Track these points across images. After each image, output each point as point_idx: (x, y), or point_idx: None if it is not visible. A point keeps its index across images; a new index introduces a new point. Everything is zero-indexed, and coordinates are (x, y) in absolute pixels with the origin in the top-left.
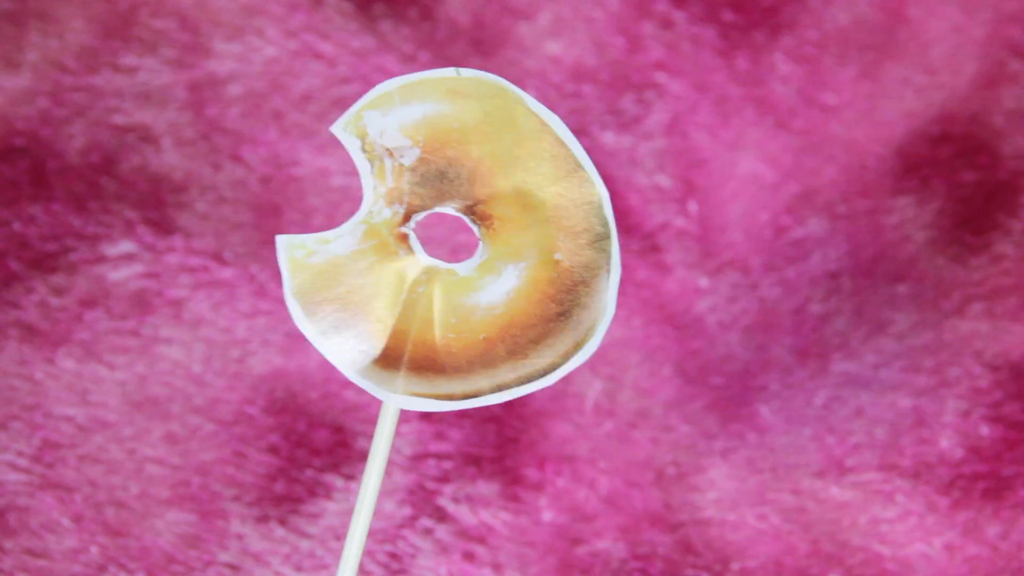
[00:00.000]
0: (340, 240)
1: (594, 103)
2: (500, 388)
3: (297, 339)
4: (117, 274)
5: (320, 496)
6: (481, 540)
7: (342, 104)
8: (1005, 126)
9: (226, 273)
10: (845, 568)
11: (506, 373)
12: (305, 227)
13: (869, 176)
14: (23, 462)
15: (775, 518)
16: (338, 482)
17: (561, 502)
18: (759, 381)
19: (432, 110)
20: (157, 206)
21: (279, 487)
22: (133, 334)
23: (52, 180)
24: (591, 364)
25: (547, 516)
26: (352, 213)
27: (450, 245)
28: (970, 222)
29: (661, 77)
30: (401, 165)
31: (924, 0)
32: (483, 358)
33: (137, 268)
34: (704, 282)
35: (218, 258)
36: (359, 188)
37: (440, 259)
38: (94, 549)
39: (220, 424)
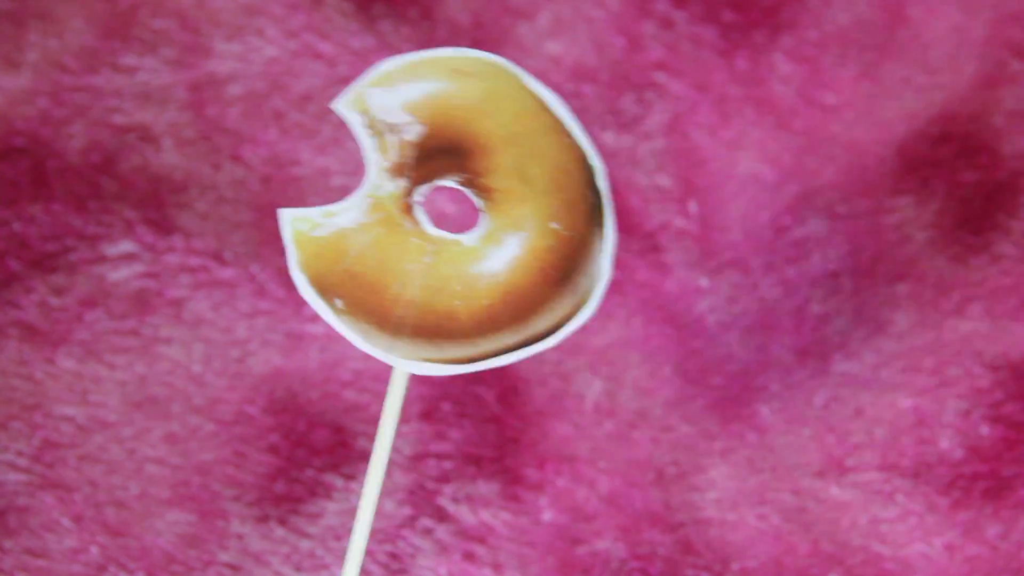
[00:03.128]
0: (346, 213)
1: (594, 103)
2: (504, 351)
3: (297, 339)
4: (117, 274)
5: (320, 496)
6: (481, 540)
7: None
8: (1005, 126)
9: (226, 273)
10: (845, 568)
11: (509, 336)
12: None
13: (869, 176)
14: (23, 462)
15: (775, 518)
16: (338, 482)
17: (561, 502)
18: (759, 381)
19: (434, 88)
20: (157, 206)
21: (279, 487)
22: (133, 334)
23: (52, 180)
24: (591, 364)
25: (547, 516)
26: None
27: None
28: (970, 222)
29: (661, 77)
30: (404, 140)
31: (924, 0)
32: (488, 323)
33: (137, 268)
34: (704, 282)
35: (218, 258)
36: (358, 188)
37: (444, 230)
38: (94, 549)
39: (220, 424)
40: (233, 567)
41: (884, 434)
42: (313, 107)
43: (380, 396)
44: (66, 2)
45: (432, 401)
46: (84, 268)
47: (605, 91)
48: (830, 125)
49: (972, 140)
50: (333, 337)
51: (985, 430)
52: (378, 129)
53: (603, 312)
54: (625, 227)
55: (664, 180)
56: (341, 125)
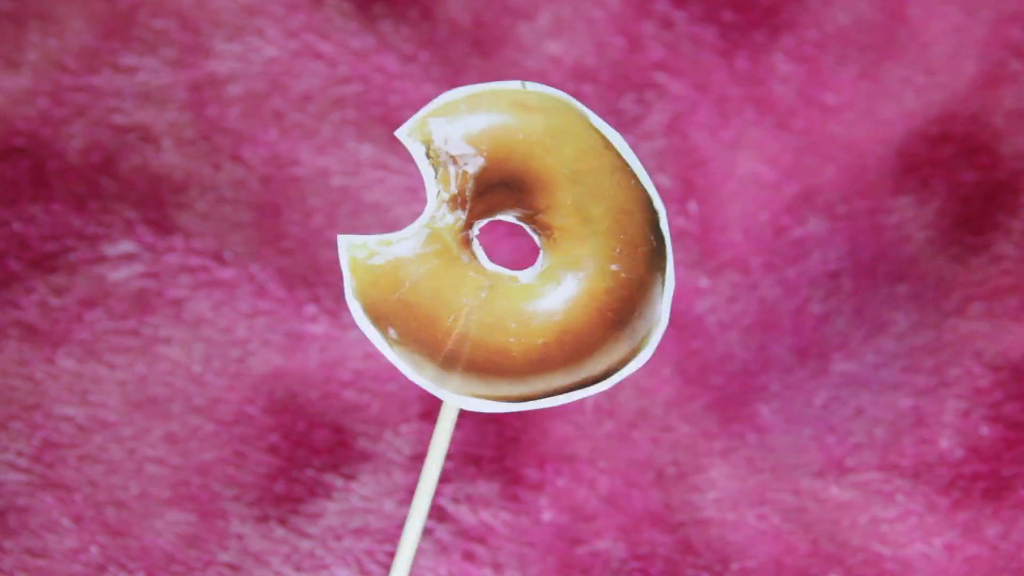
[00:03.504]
0: (403, 243)
1: (594, 103)
2: (556, 392)
3: (297, 339)
4: (117, 274)
5: (320, 496)
6: (481, 540)
7: (342, 104)
8: (1005, 126)
9: (226, 273)
10: (845, 568)
11: (562, 378)
12: (305, 227)
13: (869, 176)
14: (23, 462)
15: (775, 518)
16: (338, 482)
17: (561, 502)
18: (759, 381)
19: (497, 120)
20: (157, 206)
21: (279, 487)
22: (133, 334)
23: (52, 180)
24: None
25: (547, 516)
26: (353, 213)
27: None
28: (970, 222)
29: (661, 77)
30: (465, 172)
31: (924, 0)
32: (541, 363)
33: (137, 268)
34: (704, 282)
35: (218, 258)
36: (358, 188)
37: (502, 266)
38: (94, 549)
39: (220, 424)
40: (233, 567)
41: (884, 434)
42: (313, 107)
43: (380, 396)
44: (66, 2)
45: (432, 401)
46: (84, 268)
47: (605, 91)
48: (830, 125)
49: (972, 140)
50: (333, 337)
51: (985, 430)
52: (439, 160)
53: None
54: None
55: (664, 180)
56: (341, 125)
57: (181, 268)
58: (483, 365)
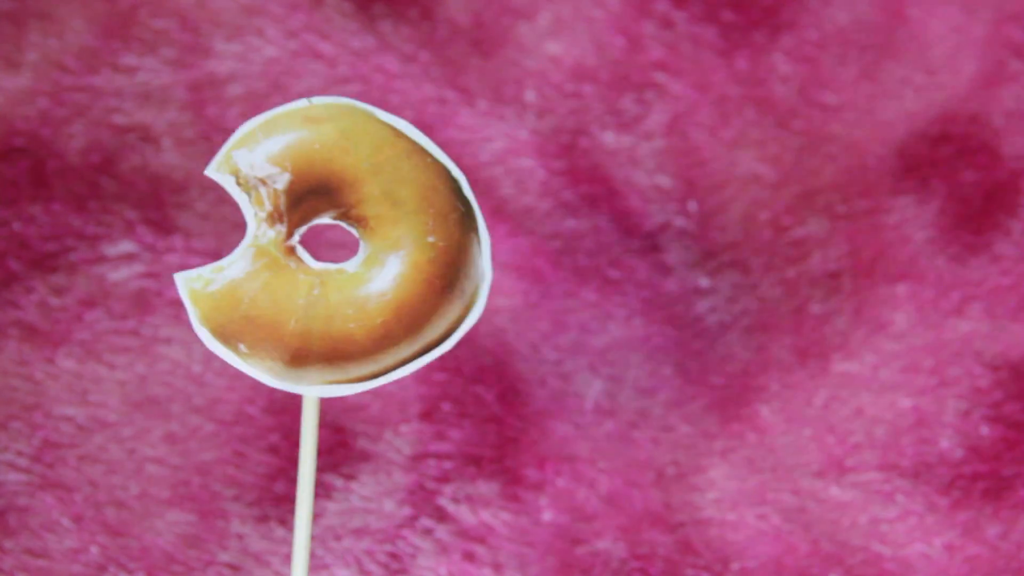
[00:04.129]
0: (234, 265)
1: (594, 103)
2: (405, 362)
3: None
4: (117, 274)
5: (320, 496)
6: (481, 540)
7: None
8: (1005, 126)
9: None
10: (845, 568)
11: (407, 348)
12: None
13: (869, 176)
14: (23, 462)
15: (775, 518)
16: (338, 482)
17: (561, 502)
18: (759, 381)
19: (293, 138)
20: (157, 206)
21: (279, 487)
22: (133, 334)
23: (52, 180)
24: (591, 364)
25: (547, 516)
26: None
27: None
28: (970, 222)
29: (661, 77)
30: (275, 190)
31: (924, 0)
32: (384, 339)
33: (137, 268)
34: (704, 282)
35: (218, 258)
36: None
37: (328, 262)
38: (94, 549)
39: (220, 424)
40: (233, 567)
41: (884, 434)
42: None
43: (380, 396)
44: (66, 2)
45: (432, 401)
46: (84, 268)
47: (605, 91)
48: (830, 125)
49: (972, 140)
50: None
51: (985, 430)
52: (249, 185)
53: (603, 312)
54: (625, 227)
55: (664, 180)
56: None
57: (181, 268)
58: (331, 354)
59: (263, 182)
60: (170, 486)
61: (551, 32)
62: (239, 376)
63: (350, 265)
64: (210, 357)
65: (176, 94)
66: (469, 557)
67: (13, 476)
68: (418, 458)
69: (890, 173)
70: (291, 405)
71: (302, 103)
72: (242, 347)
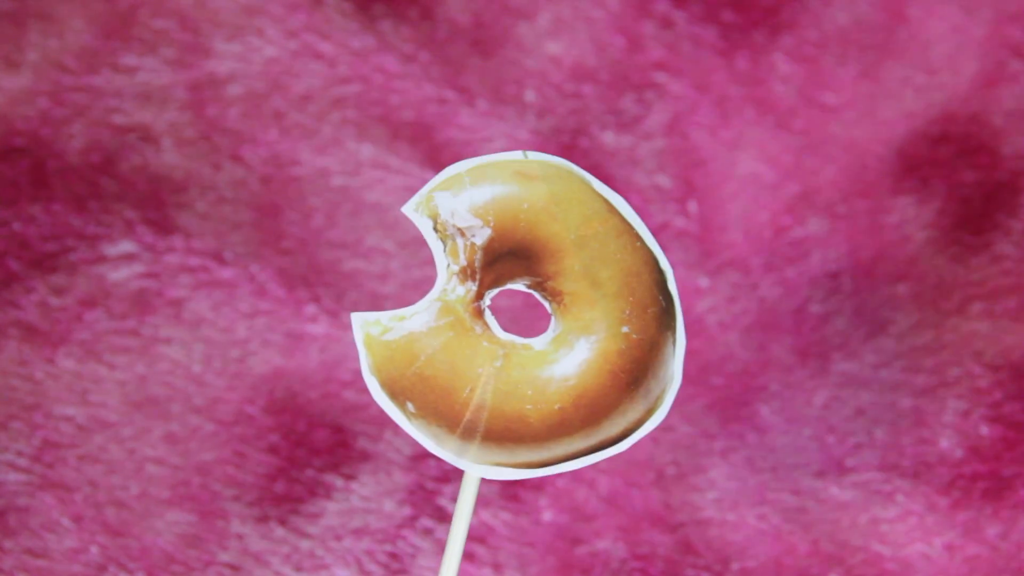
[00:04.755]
0: (416, 317)
1: (594, 103)
2: (575, 456)
3: (297, 339)
4: (117, 274)
5: (320, 496)
6: (481, 540)
7: (342, 104)
8: (1005, 126)
9: (226, 273)
10: (845, 568)
11: (581, 441)
12: (305, 227)
13: (869, 176)
14: (23, 462)
15: (775, 518)
16: (338, 482)
17: (561, 502)
18: (759, 381)
19: (501, 191)
20: (157, 206)
21: (279, 487)
22: (133, 334)
23: (52, 180)
24: None
25: (547, 516)
26: (353, 213)
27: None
28: (970, 222)
29: (661, 77)
30: (473, 243)
31: (924, 0)
32: (559, 427)
33: (137, 268)
34: (704, 282)
35: (218, 258)
36: (358, 188)
37: (514, 334)
38: (94, 549)
39: (220, 424)
40: (233, 567)
41: (884, 434)
42: (313, 107)
43: None
44: (66, 2)
45: None
46: (84, 268)
47: (605, 91)
48: (830, 125)
49: (972, 140)
50: (333, 337)
51: (985, 430)
52: (447, 233)
53: None
54: None
55: (664, 180)
56: (341, 125)
57: (181, 268)
58: (502, 433)
59: (462, 233)
60: (170, 486)
61: (551, 32)
62: (239, 376)
63: (538, 342)
64: (210, 357)
65: (176, 94)
66: (469, 557)
67: (13, 476)
68: (418, 458)
69: (890, 173)
70: (291, 405)
71: (516, 155)
72: (410, 406)
